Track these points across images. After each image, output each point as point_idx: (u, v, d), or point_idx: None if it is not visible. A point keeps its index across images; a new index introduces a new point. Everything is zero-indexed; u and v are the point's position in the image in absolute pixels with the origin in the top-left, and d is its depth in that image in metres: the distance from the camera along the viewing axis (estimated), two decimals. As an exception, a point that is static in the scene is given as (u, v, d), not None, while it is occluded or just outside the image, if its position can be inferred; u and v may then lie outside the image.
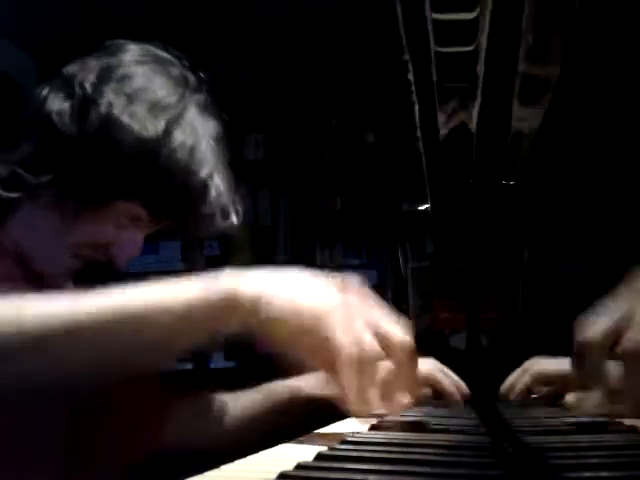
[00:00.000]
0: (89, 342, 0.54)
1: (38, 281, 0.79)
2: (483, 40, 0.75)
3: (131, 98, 0.76)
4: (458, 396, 0.92)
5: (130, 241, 0.80)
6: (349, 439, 0.51)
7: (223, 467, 0.41)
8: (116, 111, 0.74)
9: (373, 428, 0.59)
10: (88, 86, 0.75)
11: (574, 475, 0.34)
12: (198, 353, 3.12)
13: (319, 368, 0.63)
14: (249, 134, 3.44)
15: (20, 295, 0.54)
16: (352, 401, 0.57)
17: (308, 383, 0.82)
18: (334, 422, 0.59)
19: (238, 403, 0.86)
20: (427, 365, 0.88)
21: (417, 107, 0.96)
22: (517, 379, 0.93)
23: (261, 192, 3.46)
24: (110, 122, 0.74)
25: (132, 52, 0.81)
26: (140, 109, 0.75)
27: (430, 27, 0.71)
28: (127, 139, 0.74)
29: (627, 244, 1.28)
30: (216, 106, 0.90)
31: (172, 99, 0.79)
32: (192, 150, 0.78)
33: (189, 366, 3.05)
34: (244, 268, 0.61)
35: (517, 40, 0.76)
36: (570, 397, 0.67)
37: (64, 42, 1.97)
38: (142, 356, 0.58)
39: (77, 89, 0.75)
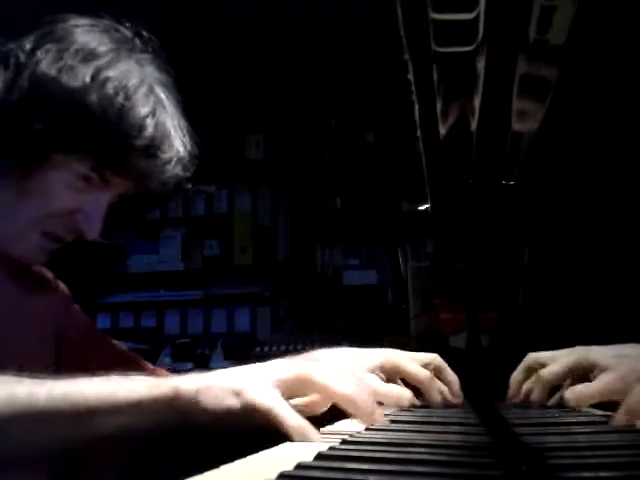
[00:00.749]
0: (41, 426, 0.55)
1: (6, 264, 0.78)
2: (483, 40, 0.75)
3: (61, 52, 0.75)
4: (457, 388, 0.89)
5: (93, 205, 0.79)
6: (349, 439, 0.51)
7: (223, 467, 0.41)
8: (44, 67, 0.74)
9: (370, 429, 0.59)
10: (22, 55, 0.76)
11: (573, 475, 0.34)
12: (198, 354, 3.12)
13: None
14: (249, 134, 3.44)
15: None
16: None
17: None
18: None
19: None
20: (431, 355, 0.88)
21: (417, 107, 0.96)
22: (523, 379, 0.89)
23: (261, 192, 3.46)
24: (38, 78, 0.74)
25: (75, 19, 0.81)
26: (70, 61, 0.75)
27: (430, 27, 0.71)
28: (55, 91, 0.73)
29: (627, 244, 1.28)
30: (171, 75, 0.87)
31: (104, 50, 0.78)
32: (125, 92, 0.76)
33: (189, 366, 3.06)
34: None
35: (517, 40, 0.76)
36: (568, 392, 0.68)
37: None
38: (91, 443, 0.59)
39: (11, 60, 0.76)
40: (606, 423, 0.60)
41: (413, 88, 0.90)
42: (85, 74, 0.75)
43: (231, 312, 3.39)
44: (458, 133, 1.01)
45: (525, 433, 0.54)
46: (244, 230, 3.43)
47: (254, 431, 0.58)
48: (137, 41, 0.84)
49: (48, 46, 0.76)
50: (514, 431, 0.57)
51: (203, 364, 3.05)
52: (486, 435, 0.54)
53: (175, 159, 0.82)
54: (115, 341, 0.94)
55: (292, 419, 0.56)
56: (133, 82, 0.77)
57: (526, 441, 0.49)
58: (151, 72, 0.82)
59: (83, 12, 0.83)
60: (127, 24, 0.85)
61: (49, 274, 0.90)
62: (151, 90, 0.80)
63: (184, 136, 0.87)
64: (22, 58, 0.75)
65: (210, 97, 3.35)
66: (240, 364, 0.63)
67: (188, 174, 0.85)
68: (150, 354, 3.13)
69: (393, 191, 3.18)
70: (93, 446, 0.61)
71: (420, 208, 2.60)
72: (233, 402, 0.57)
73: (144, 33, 0.85)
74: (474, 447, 0.47)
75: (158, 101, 0.81)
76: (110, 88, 0.75)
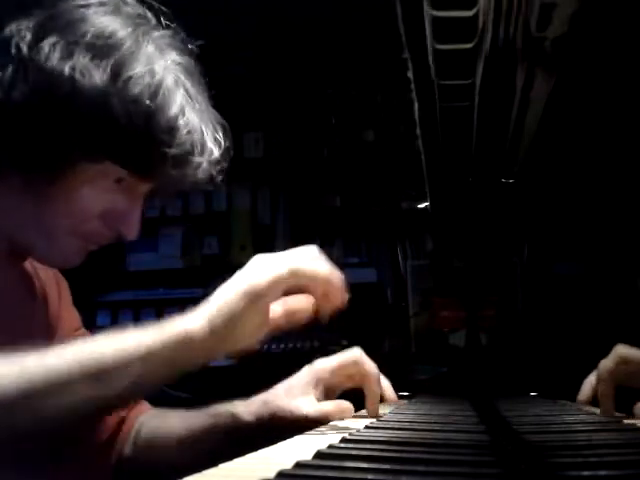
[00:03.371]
0: (51, 393, 0.54)
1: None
2: (483, 38, 0.75)
3: (71, 47, 0.67)
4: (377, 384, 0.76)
5: (129, 206, 0.74)
6: (348, 437, 0.51)
7: (221, 465, 0.40)
8: (54, 64, 0.66)
9: (369, 427, 0.59)
10: (24, 46, 0.67)
11: (573, 474, 0.34)
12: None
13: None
14: (248, 132, 3.43)
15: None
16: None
17: (247, 408, 0.77)
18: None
19: (188, 424, 0.81)
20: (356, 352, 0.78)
21: (416, 105, 0.96)
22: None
23: (261, 190, 3.46)
24: (48, 77, 0.66)
25: None
26: (83, 56, 0.66)
27: (429, 25, 0.71)
28: (70, 92, 0.65)
29: (625, 242, 1.28)
30: (186, 41, 0.80)
31: (120, 39, 0.69)
32: (151, 90, 0.68)
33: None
34: (244, 266, 0.63)
35: (517, 39, 0.76)
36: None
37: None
38: (110, 399, 0.58)
39: (13, 51, 0.67)
40: (606, 422, 0.60)
41: (412, 86, 0.90)
42: (104, 73, 0.66)
43: (230, 310, 3.38)
44: (457, 131, 1.01)
45: (525, 432, 0.54)
46: (243, 228, 3.42)
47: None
48: (150, 15, 0.75)
49: (54, 37, 0.67)
50: (514, 430, 0.57)
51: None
52: (486, 434, 0.54)
53: (208, 161, 0.77)
54: None
55: (323, 268, 0.63)
56: (158, 77, 0.70)
57: (526, 440, 0.49)
58: (173, 58, 0.74)
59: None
60: None
61: (52, 271, 0.89)
62: (177, 82, 0.73)
63: (216, 131, 0.80)
64: (24, 50, 0.66)
65: (209, 96, 3.34)
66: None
67: (221, 169, 0.80)
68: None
69: (393, 189, 3.17)
70: (110, 405, 0.60)
71: (420, 206, 2.60)
72: (247, 301, 0.60)
73: (153, 2, 0.76)
74: (473, 446, 0.47)
75: (186, 94, 0.74)
76: (134, 87, 0.67)
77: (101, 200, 0.72)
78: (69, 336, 0.87)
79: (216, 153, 0.77)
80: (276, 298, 0.63)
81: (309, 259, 0.65)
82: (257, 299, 0.60)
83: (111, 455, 0.83)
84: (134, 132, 0.68)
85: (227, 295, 0.60)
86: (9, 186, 0.71)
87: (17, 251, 0.76)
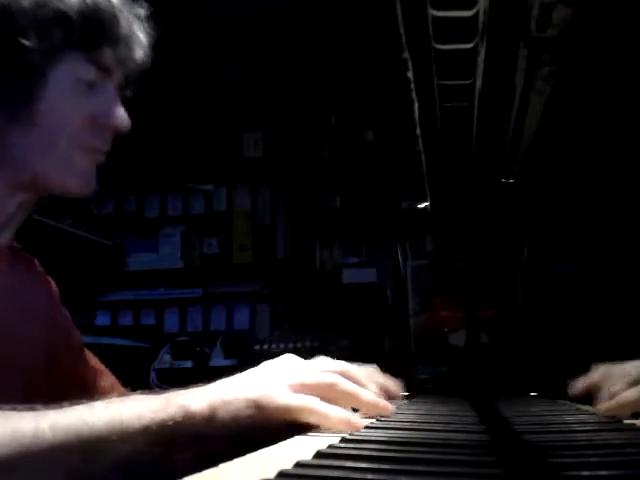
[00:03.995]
0: (39, 460, 0.52)
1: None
2: (482, 38, 0.75)
3: None
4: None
5: (104, 98, 0.79)
6: (348, 437, 0.51)
7: (222, 465, 0.40)
8: None
9: (369, 427, 0.59)
10: None
11: (573, 474, 0.34)
12: (197, 352, 3.12)
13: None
14: (248, 132, 3.44)
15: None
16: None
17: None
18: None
19: None
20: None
21: (416, 105, 0.96)
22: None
23: (261, 190, 3.46)
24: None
25: None
26: None
27: (430, 25, 0.71)
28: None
29: (625, 242, 1.28)
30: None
31: None
32: None
33: (189, 364, 3.06)
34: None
35: (517, 38, 0.76)
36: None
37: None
38: (98, 476, 0.55)
39: None
40: (606, 422, 0.60)
41: (412, 86, 0.90)
42: None
43: (230, 310, 3.39)
44: (457, 131, 1.01)
45: (525, 432, 0.54)
46: (243, 228, 3.43)
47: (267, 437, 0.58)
48: None
49: None
50: (514, 430, 0.57)
51: (203, 362, 3.05)
52: (486, 434, 0.54)
53: (143, 38, 0.84)
54: (89, 354, 0.93)
55: (335, 412, 0.57)
56: None
57: (526, 440, 0.49)
58: None
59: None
60: None
61: (41, 269, 0.89)
62: None
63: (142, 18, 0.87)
64: None
65: (208, 95, 3.35)
66: (240, 362, 0.63)
67: (149, 54, 0.86)
68: (149, 352, 3.13)
69: (392, 189, 3.18)
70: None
71: (419, 206, 2.60)
72: (254, 412, 0.56)
73: None
74: (474, 446, 0.47)
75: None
76: None
77: (82, 104, 0.77)
78: (62, 337, 0.87)
79: (145, 29, 0.85)
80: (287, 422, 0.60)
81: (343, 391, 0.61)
82: (266, 417, 0.57)
83: None
84: (84, 18, 0.75)
85: (235, 393, 0.58)
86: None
87: (37, 190, 0.79)
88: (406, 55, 0.80)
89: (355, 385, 0.62)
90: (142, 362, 3.03)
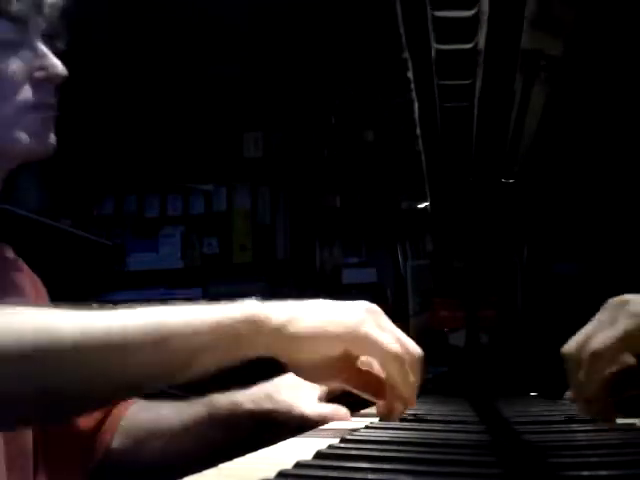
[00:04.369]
0: (111, 357, 0.52)
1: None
2: (482, 37, 0.75)
3: None
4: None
5: (30, 48, 0.77)
6: (348, 437, 0.51)
7: (221, 465, 0.40)
8: None
9: (369, 427, 0.59)
10: None
11: (573, 474, 0.34)
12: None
13: (350, 383, 0.64)
14: (248, 132, 3.44)
15: (51, 305, 0.53)
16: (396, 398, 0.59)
17: (249, 397, 0.77)
18: (280, 437, 0.58)
19: (182, 415, 0.80)
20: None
21: (416, 105, 0.96)
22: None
23: (260, 190, 3.46)
24: None
25: None
26: None
27: (430, 24, 0.71)
28: None
29: (625, 243, 1.28)
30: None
31: None
32: None
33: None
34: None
35: (517, 37, 0.76)
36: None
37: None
38: (164, 373, 0.56)
39: None
40: (606, 422, 0.60)
41: (412, 86, 0.90)
42: None
43: (230, 310, 3.38)
44: (457, 131, 1.01)
45: (525, 431, 0.54)
46: (243, 228, 3.43)
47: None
48: None
49: None
50: (514, 429, 0.57)
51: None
52: (486, 433, 0.54)
53: None
54: None
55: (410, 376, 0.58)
56: None
57: (526, 440, 0.49)
58: None
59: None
60: None
61: (26, 266, 0.88)
62: None
63: None
64: None
65: (208, 95, 3.35)
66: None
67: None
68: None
69: (392, 189, 3.18)
70: (171, 376, 0.57)
71: (419, 206, 2.60)
72: (335, 328, 0.57)
73: None
74: (474, 445, 0.47)
75: None
76: None
77: (8, 63, 0.75)
78: None
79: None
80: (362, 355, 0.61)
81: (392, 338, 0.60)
82: (351, 344, 0.58)
83: (94, 447, 0.81)
84: None
85: (319, 313, 0.59)
86: None
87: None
88: (406, 55, 0.80)
89: (407, 370, 0.59)
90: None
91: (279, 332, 0.57)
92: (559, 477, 0.34)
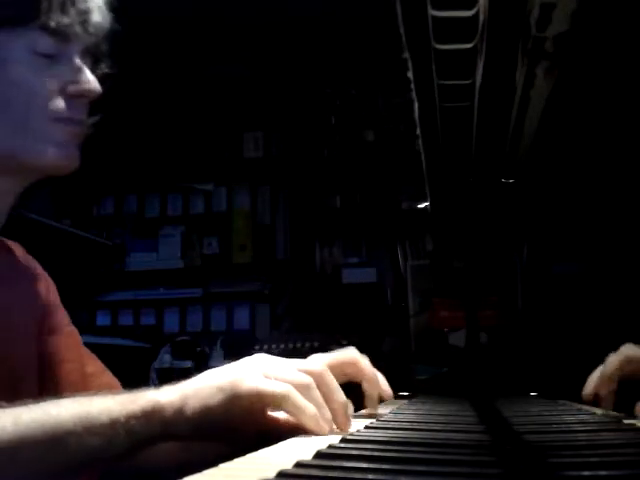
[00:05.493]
0: (21, 455, 0.51)
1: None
2: (482, 38, 0.75)
3: None
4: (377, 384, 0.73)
5: (73, 70, 0.78)
6: (348, 437, 0.51)
7: (222, 465, 0.40)
8: None
9: (369, 427, 0.59)
10: None
11: (573, 474, 0.34)
12: (197, 352, 3.12)
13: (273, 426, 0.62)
14: (248, 132, 3.44)
15: None
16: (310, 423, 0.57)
17: None
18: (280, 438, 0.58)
19: None
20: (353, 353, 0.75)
21: (416, 105, 0.96)
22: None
23: (261, 190, 3.46)
24: None
25: None
26: None
27: (430, 25, 0.71)
28: None
29: (625, 242, 1.28)
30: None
31: None
32: None
33: (189, 364, 3.06)
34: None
35: (517, 38, 0.76)
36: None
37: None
38: (64, 470, 0.54)
39: None
40: (606, 422, 0.60)
41: (412, 86, 0.90)
42: None
43: (230, 310, 3.39)
44: (457, 131, 1.01)
45: (525, 432, 0.54)
46: (243, 228, 3.42)
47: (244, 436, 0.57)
48: None
49: None
50: (514, 430, 0.57)
51: (202, 362, 3.05)
52: (486, 434, 0.54)
53: (94, 6, 0.81)
54: (91, 356, 0.91)
55: (309, 406, 0.56)
56: None
57: (526, 440, 0.49)
58: None
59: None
60: None
61: (41, 269, 0.89)
62: None
63: None
64: None
65: (209, 95, 3.35)
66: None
67: (109, 21, 0.84)
68: (149, 352, 3.13)
69: (393, 189, 3.18)
70: (65, 474, 0.56)
71: (419, 206, 2.60)
72: (225, 398, 0.56)
73: None
74: (474, 446, 0.47)
75: None
76: None
77: (45, 77, 0.76)
78: (60, 330, 0.87)
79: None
80: (261, 409, 0.60)
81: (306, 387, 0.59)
82: (237, 401, 0.57)
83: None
84: None
85: (209, 383, 0.58)
86: None
87: (18, 171, 0.77)
88: (406, 55, 0.80)
89: (303, 401, 0.57)
90: (142, 362, 3.02)
91: (176, 419, 0.56)
92: (559, 477, 0.34)
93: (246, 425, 0.59)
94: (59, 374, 0.83)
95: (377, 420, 0.65)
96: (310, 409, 0.57)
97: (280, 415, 0.61)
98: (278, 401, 0.57)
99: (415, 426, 0.60)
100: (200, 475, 0.37)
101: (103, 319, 3.41)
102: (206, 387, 0.58)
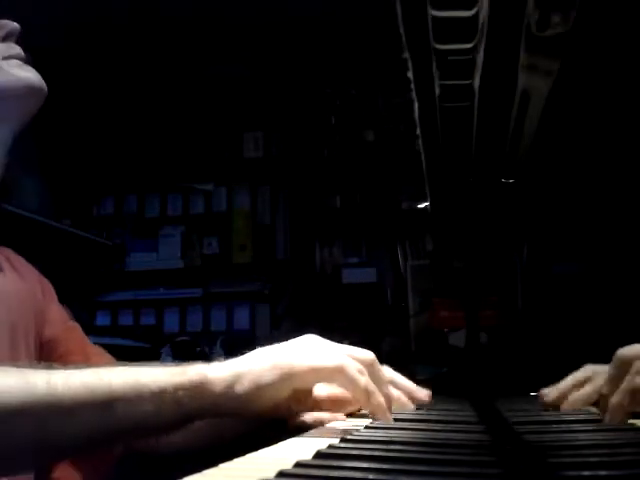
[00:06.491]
0: (54, 417, 0.52)
1: None
2: (482, 38, 0.75)
3: None
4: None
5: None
6: (348, 437, 0.51)
7: (222, 465, 0.40)
8: None
9: (369, 427, 0.59)
10: None
11: (573, 473, 0.34)
12: (197, 352, 3.12)
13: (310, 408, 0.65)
14: (248, 132, 3.44)
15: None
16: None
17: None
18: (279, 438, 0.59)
19: None
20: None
21: (416, 105, 0.96)
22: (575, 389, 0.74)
23: (260, 190, 3.46)
24: None
25: None
26: None
27: (429, 24, 0.71)
28: None
29: (625, 242, 1.28)
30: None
31: None
32: None
33: (188, 364, 3.05)
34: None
35: (518, 36, 0.76)
36: None
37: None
38: (115, 432, 0.55)
39: None
40: (606, 422, 0.60)
41: (412, 86, 0.90)
42: None
43: (230, 310, 3.39)
44: (457, 131, 1.01)
45: (525, 431, 0.54)
46: (243, 228, 3.42)
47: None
48: None
49: None
50: (514, 430, 0.57)
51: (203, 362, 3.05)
52: (486, 433, 0.54)
53: None
54: (92, 346, 0.91)
55: (365, 380, 0.58)
56: None
57: (526, 439, 0.49)
58: None
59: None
60: None
61: (33, 269, 0.89)
62: None
63: None
64: None
65: (208, 95, 3.35)
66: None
67: None
68: (149, 352, 3.13)
69: (393, 189, 3.18)
70: (112, 441, 0.58)
71: (419, 206, 2.60)
72: (279, 375, 0.58)
73: None
74: (474, 445, 0.47)
75: None
76: None
77: None
78: (59, 328, 0.87)
79: None
80: (313, 384, 0.63)
81: (356, 369, 0.61)
82: (290, 378, 0.59)
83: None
84: None
85: (261, 360, 0.60)
86: None
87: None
88: (406, 55, 0.80)
89: (357, 374, 0.60)
90: (142, 362, 3.02)
91: (226, 395, 0.57)
92: (559, 477, 0.34)
93: (293, 403, 0.60)
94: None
95: (377, 420, 0.65)
96: (363, 382, 0.59)
97: (326, 394, 0.64)
98: (333, 375, 0.58)
99: (415, 426, 0.60)
100: (200, 475, 0.37)
101: (103, 319, 3.41)
102: (259, 365, 0.59)
